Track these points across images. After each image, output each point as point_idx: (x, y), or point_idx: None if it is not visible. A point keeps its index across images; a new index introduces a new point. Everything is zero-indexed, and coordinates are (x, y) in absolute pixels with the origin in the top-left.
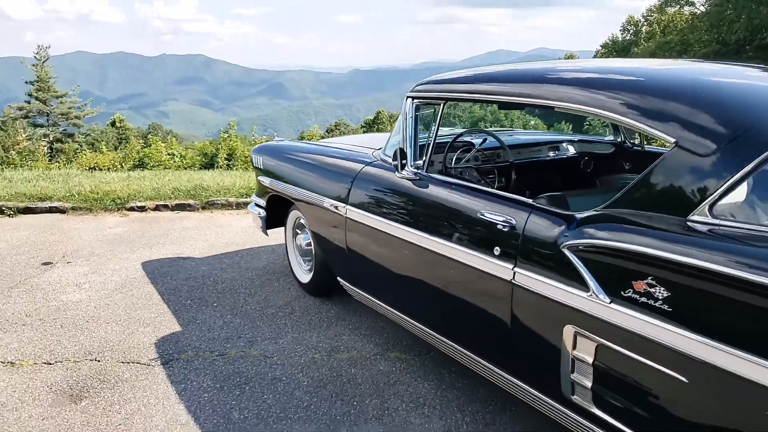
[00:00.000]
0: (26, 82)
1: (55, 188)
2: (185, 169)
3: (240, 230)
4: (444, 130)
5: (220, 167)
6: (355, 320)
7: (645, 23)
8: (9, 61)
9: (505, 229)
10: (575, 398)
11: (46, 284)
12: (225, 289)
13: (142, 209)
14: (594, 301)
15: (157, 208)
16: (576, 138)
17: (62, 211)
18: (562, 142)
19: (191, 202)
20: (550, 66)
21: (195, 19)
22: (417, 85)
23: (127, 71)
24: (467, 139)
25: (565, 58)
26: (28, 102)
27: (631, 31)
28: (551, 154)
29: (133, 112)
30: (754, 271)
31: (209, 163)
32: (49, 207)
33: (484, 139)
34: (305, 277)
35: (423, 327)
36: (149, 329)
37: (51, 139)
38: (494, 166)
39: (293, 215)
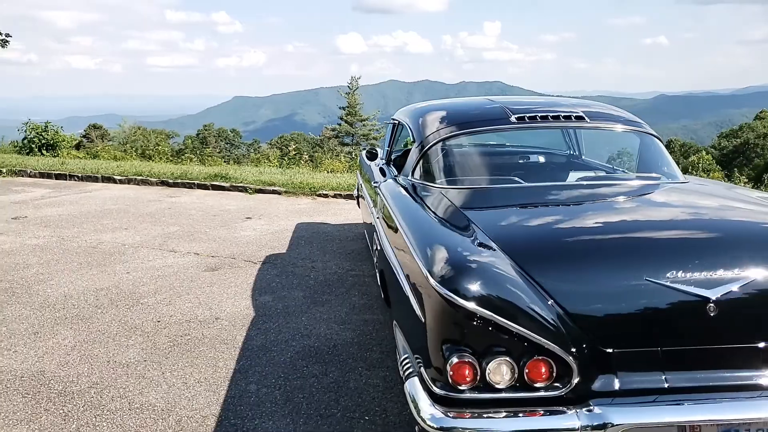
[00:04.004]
0: (340, 108)
1: (280, 179)
2: None
3: None
4: None
5: None
6: None
7: None
8: (335, 89)
9: (377, 186)
10: (377, 263)
11: (239, 227)
12: (328, 239)
13: (325, 196)
14: (375, 215)
15: (335, 196)
16: None
17: (279, 193)
18: None
19: (356, 193)
20: (422, 104)
21: (496, 47)
22: (393, 115)
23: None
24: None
25: None
26: (339, 124)
27: None
28: None
29: None
30: (402, 205)
31: None
32: (272, 190)
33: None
34: None
35: (370, 244)
36: (270, 250)
37: (352, 156)
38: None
39: None
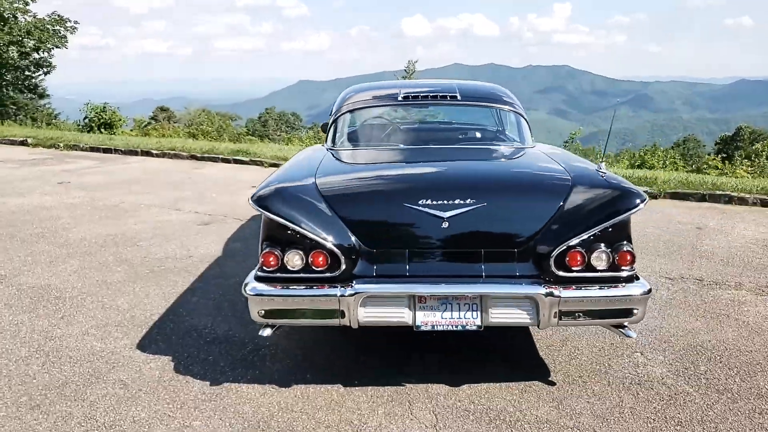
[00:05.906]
0: None
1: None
2: None
3: None
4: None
5: None
6: None
7: None
8: (399, 73)
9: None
10: None
11: (242, 193)
12: None
13: None
14: None
15: None
16: None
17: None
18: None
19: None
20: (352, 86)
21: (565, 30)
22: None
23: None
24: None
25: None
26: None
27: None
28: None
29: None
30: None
31: None
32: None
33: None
34: None
35: None
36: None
37: None
38: None
39: None
